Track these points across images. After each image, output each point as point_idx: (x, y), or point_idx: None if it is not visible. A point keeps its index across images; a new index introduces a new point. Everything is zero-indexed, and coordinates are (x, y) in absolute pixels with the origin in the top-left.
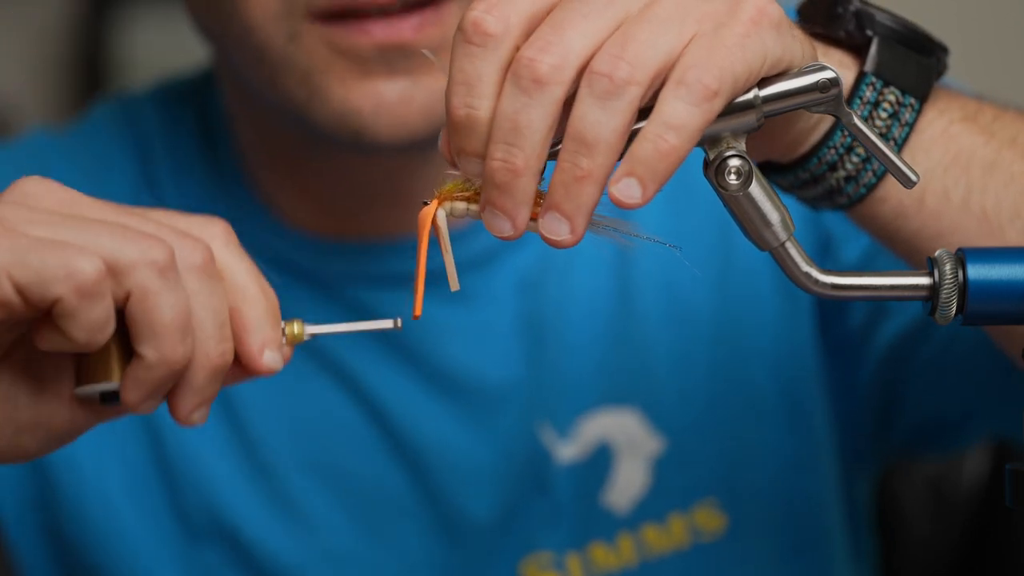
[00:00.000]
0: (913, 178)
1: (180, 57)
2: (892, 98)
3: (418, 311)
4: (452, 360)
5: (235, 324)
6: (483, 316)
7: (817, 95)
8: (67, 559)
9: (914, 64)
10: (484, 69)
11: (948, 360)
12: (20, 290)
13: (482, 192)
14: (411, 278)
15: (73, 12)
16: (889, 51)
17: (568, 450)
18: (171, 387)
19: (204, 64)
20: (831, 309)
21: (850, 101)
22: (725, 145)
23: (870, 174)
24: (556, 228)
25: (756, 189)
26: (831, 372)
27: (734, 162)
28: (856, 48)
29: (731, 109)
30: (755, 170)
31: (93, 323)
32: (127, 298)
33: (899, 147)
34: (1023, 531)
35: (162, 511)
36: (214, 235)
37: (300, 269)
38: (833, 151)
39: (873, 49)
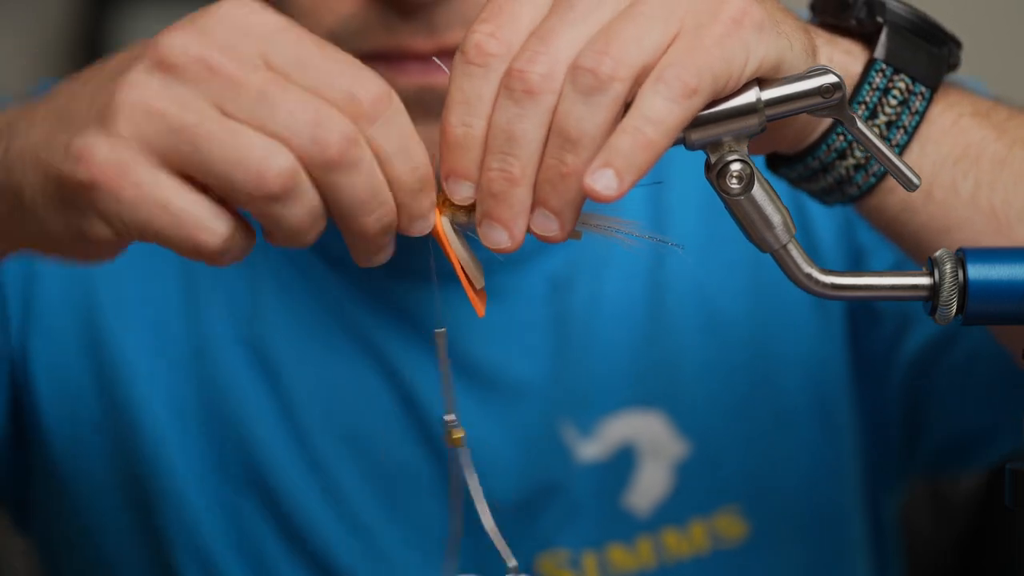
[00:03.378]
0: (916, 181)
1: None
2: (902, 85)
3: (480, 311)
4: (481, 355)
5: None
6: (513, 313)
7: (819, 99)
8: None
9: (925, 53)
10: (484, 89)
11: (972, 371)
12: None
13: (478, 205)
14: (443, 272)
15: (73, 11)
16: (900, 39)
17: (590, 449)
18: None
19: None
20: (862, 320)
21: (859, 88)
22: (726, 148)
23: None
24: (545, 224)
25: (758, 192)
26: (861, 384)
27: (735, 166)
28: (867, 37)
29: (733, 113)
30: (757, 173)
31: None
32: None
33: (909, 135)
34: (1023, 531)
35: (207, 457)
36: (360, 114)
37: (337, 259)
38: (842, 138)
39: (883, 36)
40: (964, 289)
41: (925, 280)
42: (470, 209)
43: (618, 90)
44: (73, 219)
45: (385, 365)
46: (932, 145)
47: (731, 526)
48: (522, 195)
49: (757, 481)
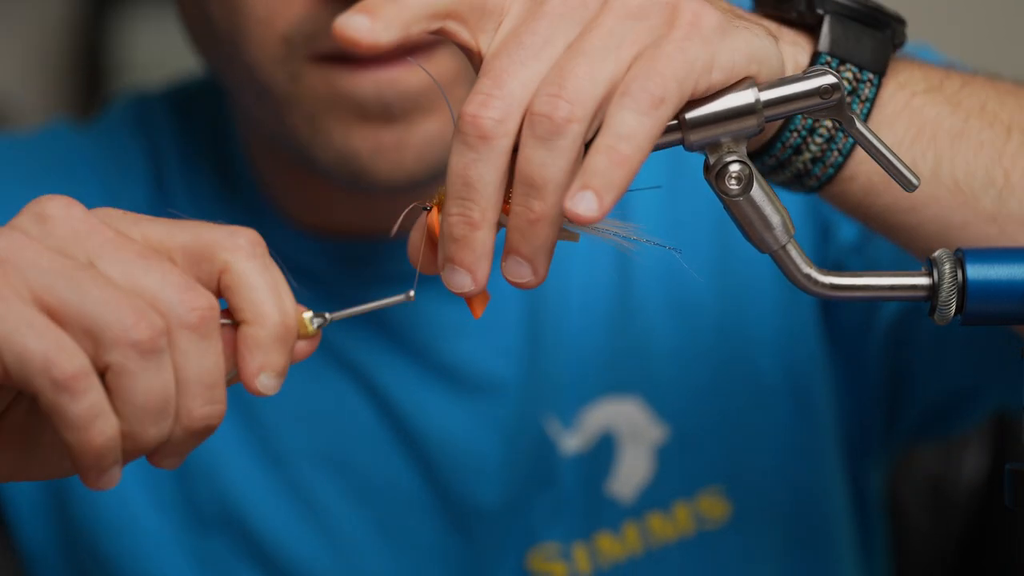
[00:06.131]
0: (915, 182)
1: (180, 57)
2: (849, 75)
3: (476, 312)
4: (457, 355)
5: (239, 342)
6: (485, 312)
7: (818, 100)
8: (77, 550)
9: (869, 39)
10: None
11: (950, 332)
12: (3, 366)
13: (440, 249)
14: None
15: (73, 12)
16: (842, 28)
17: (572, 441)
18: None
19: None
20: None
21: None
22: (725, 150)
23: (836, 154)
24: (518, 271)
25: (757, 193)
26: (837, 357)
27: (734, 167)
28: (809, 28)
29: (732, 114)
30: (756, 174)
31: (77, 420)
32: (107, 369)
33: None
34: (1023, 531)
35: (173, 501)
36: (237, 247)
37: (305, 270)
38: (796, 134)
39: (825, 27)
40: (963, 289)
41: (924, 280)
42: None
43: (576, 131)
44: None
45: (359, 375)
46: (886, 128)
47: (714, 507)
48: (484, 237)
49: (736, 460)
